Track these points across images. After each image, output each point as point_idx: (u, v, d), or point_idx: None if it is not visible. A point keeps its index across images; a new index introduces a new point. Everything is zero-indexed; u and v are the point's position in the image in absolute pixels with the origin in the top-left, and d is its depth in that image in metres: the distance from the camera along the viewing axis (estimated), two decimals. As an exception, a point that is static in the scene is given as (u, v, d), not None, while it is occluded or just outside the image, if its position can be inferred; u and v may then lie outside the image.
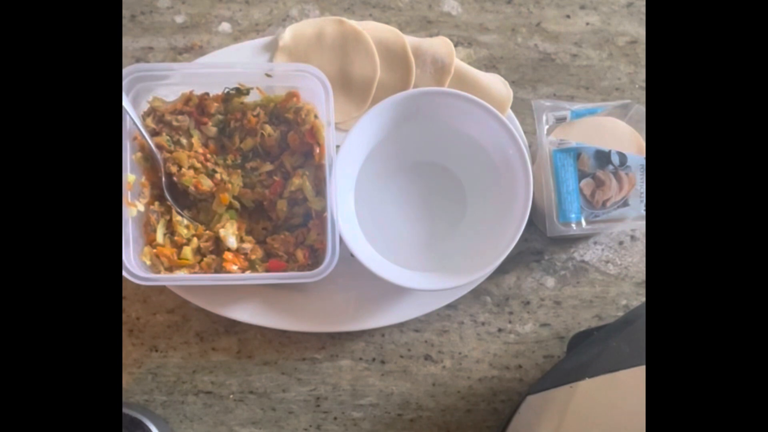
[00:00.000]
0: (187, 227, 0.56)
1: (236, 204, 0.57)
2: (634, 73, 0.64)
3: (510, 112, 0.61)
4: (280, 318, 0.58)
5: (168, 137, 0.57)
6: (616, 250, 0.62)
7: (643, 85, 0.64)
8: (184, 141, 0.57)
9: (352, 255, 0.53)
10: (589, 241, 0.62)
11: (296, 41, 0.61)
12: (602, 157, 0.56)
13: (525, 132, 0.60)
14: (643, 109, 0.58)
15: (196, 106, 0.57)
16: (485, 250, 0.55)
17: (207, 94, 0.57)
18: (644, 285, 0.62)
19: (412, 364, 0.61)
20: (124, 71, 0.54)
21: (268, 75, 0.56)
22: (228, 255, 0.55)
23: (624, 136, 0.57)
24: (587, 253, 0.62)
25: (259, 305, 0.58)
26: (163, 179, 0.57)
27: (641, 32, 0.64)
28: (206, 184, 0.56)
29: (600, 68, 0.64)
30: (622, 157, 0.56)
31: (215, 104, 0.57)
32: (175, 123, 0.57)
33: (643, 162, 0.56)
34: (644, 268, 0.62)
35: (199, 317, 0.60)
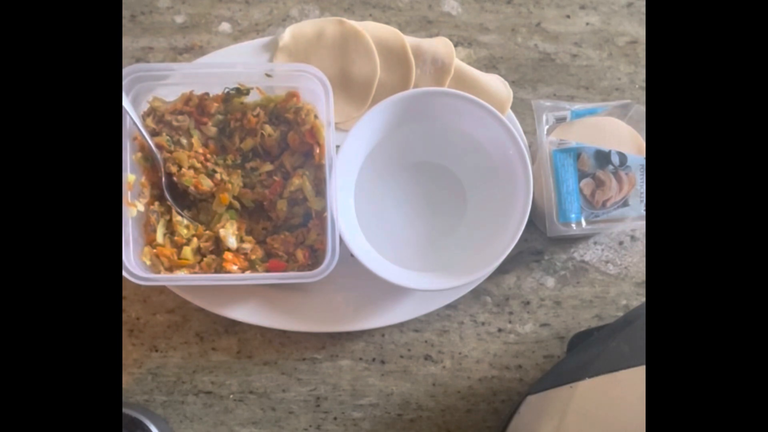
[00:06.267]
0: (187, 227, 0.56)
1: (236, 204, 0.57)
2: (634, 73, 0.64)
3: (510, 112, 0.61)
4: (280, 318, 0.58)
5: (168, 137, 0.57)
6: (616, 250, 0.62)
7: (643, 85, 0.64)
8: (184, 141, 0.57)
9: (352, 255, 0.53)
10: (589, 241, 0.62)
11: (296, 41, 0.61)
12: (602, 157, 0.56)
13: (525, 132, 0.60)
14: (643, 109, 0.58)
15: (196, 106, 0.57)
16: (485, 250, 0.55)
17: (207, 94, 0.57)
18: (644, 285, 0.62)
19: (412, 364, 0.61)
20: (124, 71, 0.54)
21: (268, 75, 0.56)
22: (228, 255, 0.55)
23: (624, 136, 0.57)
24: (587, 253, 0.62)
25: (259, 305, 0.58)
26: (163, 179, 0.57)
27: (641, 32, 0.64)
28: (206, 184, 0.56)
29: (600, 68, 0.64)
30: (622, 157, 0.56)
31: (215, 104, 0.57)
32: (175, 123, 0.57)
33: (643, 162, 0.56)
34: (644, 268, 0.62)
35: (199, 317, 0.60)
